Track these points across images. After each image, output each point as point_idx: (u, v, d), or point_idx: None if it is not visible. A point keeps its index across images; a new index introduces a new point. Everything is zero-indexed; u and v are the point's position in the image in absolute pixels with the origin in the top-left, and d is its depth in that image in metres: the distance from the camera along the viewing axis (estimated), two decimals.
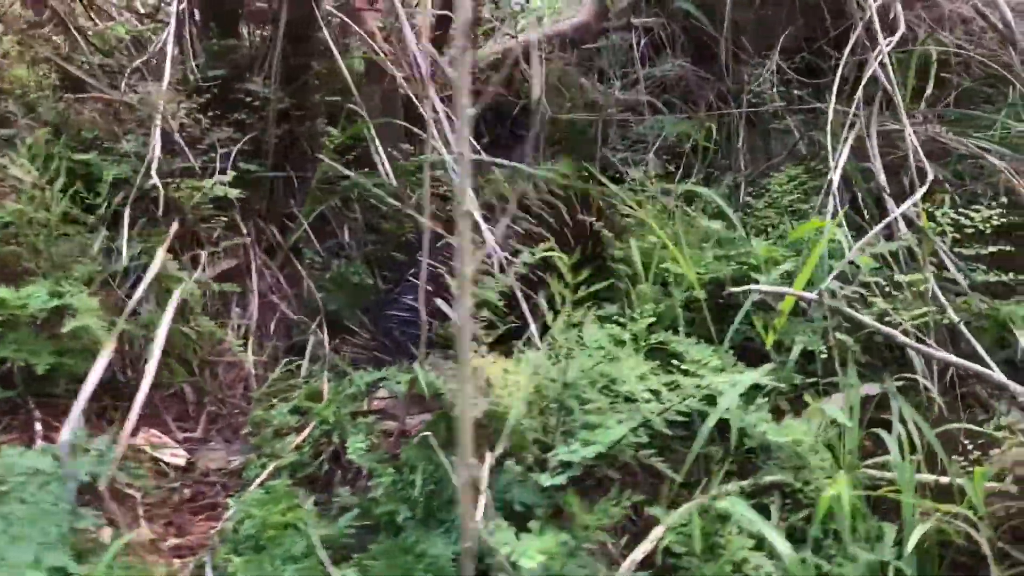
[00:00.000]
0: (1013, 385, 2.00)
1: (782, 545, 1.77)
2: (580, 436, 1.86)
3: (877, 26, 2.51)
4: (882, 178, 2.62)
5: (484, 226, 2.14)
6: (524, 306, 2.00)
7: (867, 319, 2.03)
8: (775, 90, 3.11)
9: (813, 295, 2.02)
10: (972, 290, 2.40)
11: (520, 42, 3.65)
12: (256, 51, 2.94)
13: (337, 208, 3.04)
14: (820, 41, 3.05)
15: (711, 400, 1.98)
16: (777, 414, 2.35)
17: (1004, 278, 2.42)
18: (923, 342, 2.23)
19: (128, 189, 2.55)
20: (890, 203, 2.55)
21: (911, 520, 1.88)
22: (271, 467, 2.22)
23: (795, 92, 3.08)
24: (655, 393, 1.92)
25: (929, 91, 3.00)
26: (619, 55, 3.88)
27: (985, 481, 1.96)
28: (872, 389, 2.35)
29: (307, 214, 2.95)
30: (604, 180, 2.95)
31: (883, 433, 2.02)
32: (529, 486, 1.93)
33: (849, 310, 2.02)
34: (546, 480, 1.84)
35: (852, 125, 2.59)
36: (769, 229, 2.64)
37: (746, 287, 2.08)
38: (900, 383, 2.31)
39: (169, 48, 2.51)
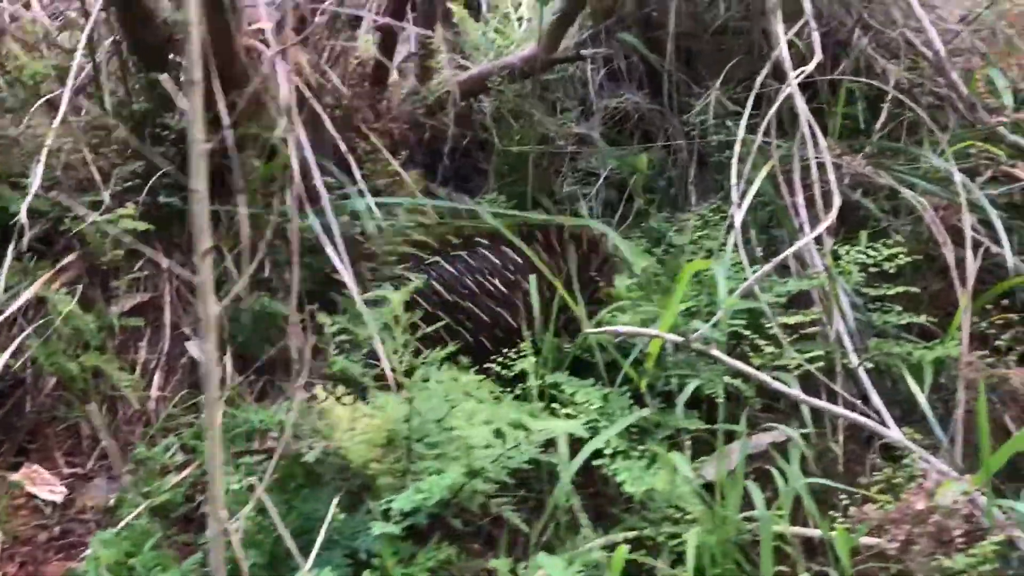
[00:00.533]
0: (883, 430, 1.88)
1: None
2: (417, 485, 1.79)
3: (786, 55, 2.41)
4: (803, 213, 2.51)
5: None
6: (380, 349, 1.93)
7: (735, 362, 1.93)
8: (712, 123, 3.02)
9: (679, 338, 1.92)
10: (882, 333, 2.28)
11: (471, 75, 3.61)
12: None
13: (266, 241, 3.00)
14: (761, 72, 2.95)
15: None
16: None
17: (916, 320, 2.30)
18: (817, 387, 2.13)
19: (36, 222, 2.55)
20: (809, 241, 2.44)
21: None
22: (143, 506, 2.19)
23: (728, 124, 2.98)
24: (501, 436, 1.84)
25: (881, 122, 2.90)
26: (576, 86, 3.82)
27: (861, 536, 1.85)
28: (774, 437, 2.25)
29: (230, 248, 2.92)
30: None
31: (751, 485, 1.91)
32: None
33: (717, 354, 1.92)
34: (378, 528, 1.77)
35: (767, 159, 2.48)
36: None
37: (605, 328, 1.99)
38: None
39: (69, 83, 2.51)
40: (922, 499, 1.65)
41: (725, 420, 2.16)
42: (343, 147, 2.96)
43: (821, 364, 2.18)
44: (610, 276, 2.53)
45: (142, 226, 2.62)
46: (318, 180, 2.21)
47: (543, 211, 3.41)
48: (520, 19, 4.33)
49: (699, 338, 1.93)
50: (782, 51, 2.38)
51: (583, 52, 3.55)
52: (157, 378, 2.65)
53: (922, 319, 2.29)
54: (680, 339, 1.91)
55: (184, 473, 2.29)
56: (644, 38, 3.68)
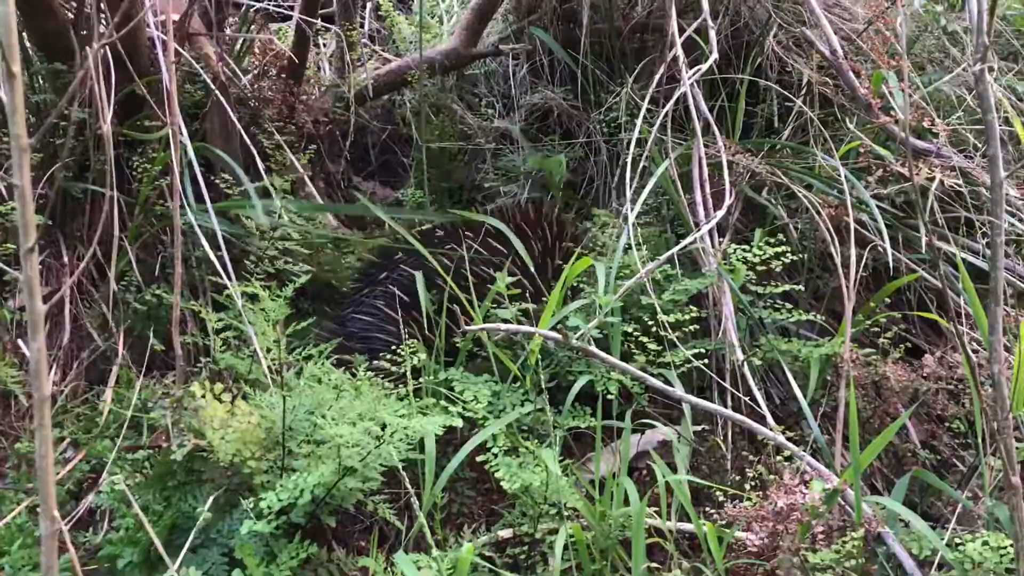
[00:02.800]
0: (757, 427, 1.90)
1: None
2: (285, 482, 1.77)
3: (680, 54, 2.42)
4: (700, 211, 2.52)
5: None
6: (256, 344, 1.91)
7: (610, 358, 1.94)
8: (623, 120, 3.02)
9: (557, 335, 1.92)
10: (784, 331, 2.31)
11: (390, 69, 3.59)
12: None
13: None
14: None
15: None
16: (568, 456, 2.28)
17: (805, 317, 2.32)
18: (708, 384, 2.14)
19: None
20: (704, 236, 2.45)
21: (637, 571, 1.79)
22: (24, 504, 2.15)
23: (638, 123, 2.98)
24: (370, 435, 1.83)
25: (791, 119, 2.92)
26: (498, 82, 3.82)
27: (733, 533, 1.86)
28: (663, 434, 2.26)
29: (132, 240, 2.88)
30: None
31: (628, 482, 1.92)
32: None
33: (594, 350, 1.93)
34: (247, 527, 1.75)
35: (664, 155, 2.49)
36: None
37: (485, 325, 1.99)
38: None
39: None
40: (782, 496, 1.67)
41: (618, 416, 2.18)
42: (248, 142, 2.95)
43: (707, 361, 2.20)
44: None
45: (40, 219, 2.57)
46: (199, 176, 2.16)
47: (463, 206, 3.42)
48: (445, 14, 4.31)
49: (578, 336, 1.93)
50: (677, 50, 2.38)
51: (502, 47, 3.53)
52: (52, 373, 2.60)
53: (810, 316, 2.31)
54: (558, 336, 1.91)
55: (68, 468, 2.25)
56: (566, 35, 3.69)
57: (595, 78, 3.40)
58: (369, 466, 1.78)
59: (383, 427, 1.76)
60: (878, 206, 2.40)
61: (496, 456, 2.00)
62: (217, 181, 2.83)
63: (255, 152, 3.02)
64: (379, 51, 4.00)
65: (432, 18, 4.19)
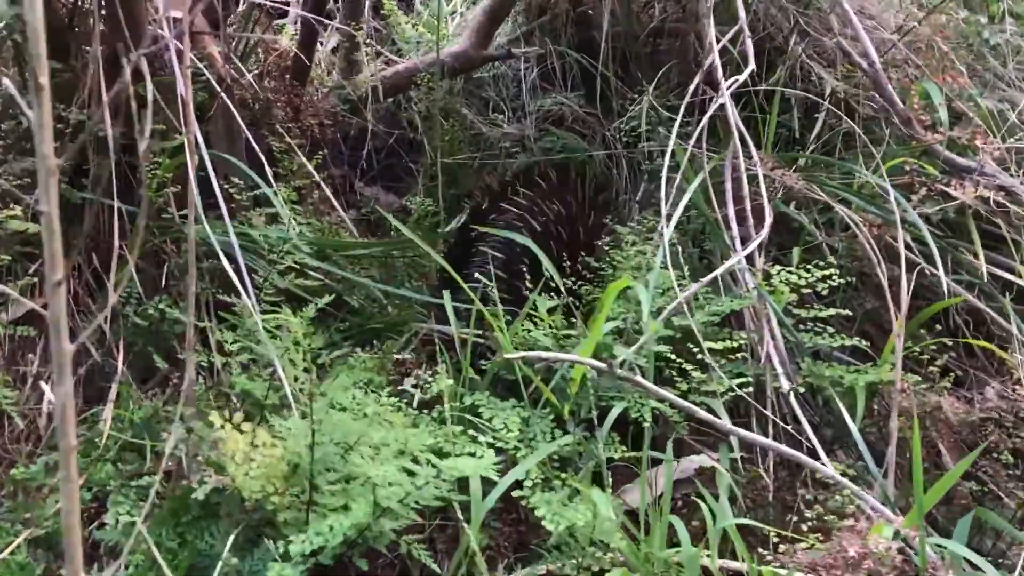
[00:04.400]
0: (815, 464, 1.80)
1: None
2: (317, 526, 1.64)
3: (718, 64, 2.31)
4: (735, 227, 2.42)
5: None
6: (278, 365, 1.78)
7: (658, 388, 1.83)
8: (644, 130, 2.91)
9: (602, 364, 1.81)
10: (816, 353, 2.20)
11: (397, 71, 3.46)
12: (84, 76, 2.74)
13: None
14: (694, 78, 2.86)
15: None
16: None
17: (847, 342, 2.23)
18: (747, 410, 2.04)
19: None
20: (739, 257, 2.35)
21: None
22: (22, 536, 2.01)
23: (661, 131, 2.88)
24: (410, 473, 1.71)
25: (815, 133, 2.83)
26: (508, 85, 3.70)
27: None
28: (700, 462, 2.16)
29: (134, 250, 2.73)
30: None
31: (676, 521, 1.81)
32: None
33: (641, 380, 1.82)
34: (274, 571, 1.63)
35: (698, 169, 2.39)
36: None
37: (525, 354, 1.87)
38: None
39: None
40: (855, 544, 1.57)
41: (651, 444, 2.07)
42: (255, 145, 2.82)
43: (750, 388, 2.10)
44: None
45: (34, 227, 2.43)
46: (216, 187, 2.03)
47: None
48: (450, 14, 4.19)
49: (622, 365, 1.82)
50: (715, 60, 2.28)
51: (514, 51, 3.41)
52: (48, 391, 2.46)
53: (855, 341, 2.21)
54: (602, 365, 1.80)
55: None
56: (578, 38, 3.58)
57: (613, 84, 3.29)
58: (406, 508, 1.65)
59: (420, 463, 1.64)
60: (915, 224, 2.31)
61: (531, 491, 1.89)
62: (224, 186, 2.70)
63: (262, 157, 2.89)
64: (384, 52, 3.86)
65: (430, 16, 4.07)
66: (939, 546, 1.77)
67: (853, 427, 2.01)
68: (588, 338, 1.87)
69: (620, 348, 1.99)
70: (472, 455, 1.81)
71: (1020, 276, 2.29)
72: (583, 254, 2.63)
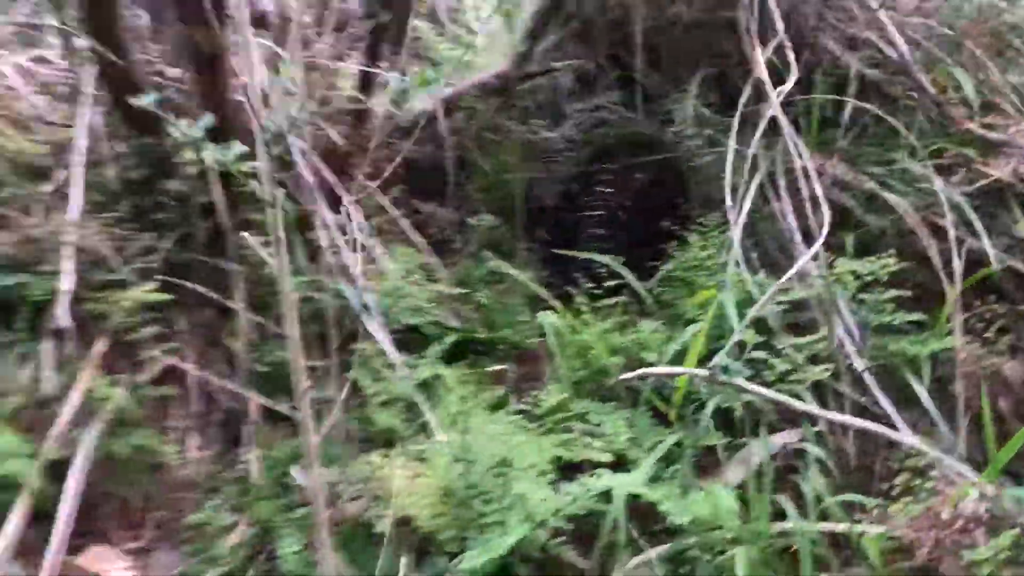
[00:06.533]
0: (899, 436, 2.05)
1: None
2: (480, 540, 1.92)
3: (765, 75, 2.54)
4: (791, 219, 2.66)
5: None
6: (424, 407, 2.05)
7: (758, 388, 2.08)
8: (689, 132, 3.12)
9: (704, 372, 2.07)
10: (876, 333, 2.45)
11: (447, 96, 3.67)
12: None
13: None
14: (732, 72, 3.07)
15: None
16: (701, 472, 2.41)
17: (911, 317, 2.46)
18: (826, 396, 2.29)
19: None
20: (799, 250, 2.58)
21: None
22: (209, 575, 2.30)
23: (706, 131, 3.09)
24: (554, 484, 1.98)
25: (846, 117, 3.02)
26: (545, 93, 3.88)
27: (883, 540, 2.02)
28: (788, 437, 2.41)
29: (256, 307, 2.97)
30: None
31: (783, 500, 2.07)
32: None
33: (741, 382, 2.07)
34: None
35: (754, 170, 2.62)
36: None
37: (640, 371, 2.13)
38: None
39: (78, 171, 2.56)
40: (947, 508, 1.82)
41: (743, 429, 2.33)
42: (342, 193, 3.06)
43: (828, 370, 2.34)
44: None
45: (164, 297, 2.69)
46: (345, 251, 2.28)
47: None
48: (476, 21, 4.36)
49: (727, 372, 2.06)
50: (762, 73, 2.50)
51: (555, 64, 3.62)
52: (193, 441, 2.73)
53: (915, 316, 2.45)
54: (707, 373, 2.05)
55: (236, 534, 2.39)
56: (609, 39, 3.75)
57: (649, 84, 3.49)
58: (560, 519, 1.93)
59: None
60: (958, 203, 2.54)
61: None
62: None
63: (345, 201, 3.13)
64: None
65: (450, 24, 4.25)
66: (1014, 496, 2.02)
67: (924, 395, 2.25)
68: (691, 350, 2.12)
69: (722, 357, 2.24)
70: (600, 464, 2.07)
71: None
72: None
